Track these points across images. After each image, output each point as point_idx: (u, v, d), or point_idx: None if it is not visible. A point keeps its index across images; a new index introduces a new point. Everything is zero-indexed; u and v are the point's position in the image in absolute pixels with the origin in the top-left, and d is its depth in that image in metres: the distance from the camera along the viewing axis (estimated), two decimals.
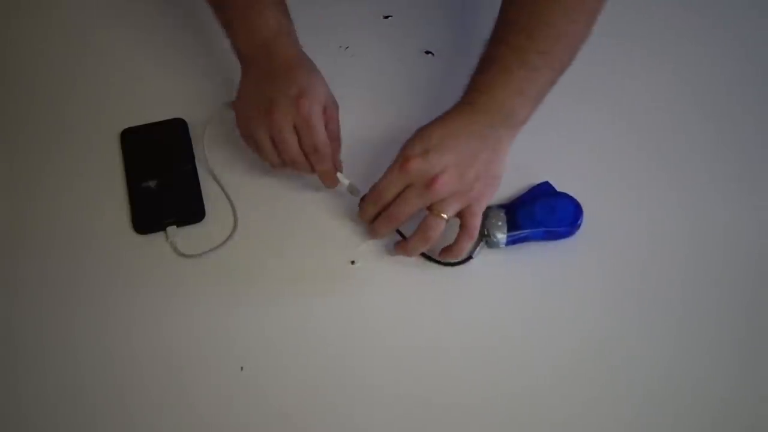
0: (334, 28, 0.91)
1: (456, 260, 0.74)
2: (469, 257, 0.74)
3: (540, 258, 0.75)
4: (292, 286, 0.74)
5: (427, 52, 0.91)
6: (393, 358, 0.70)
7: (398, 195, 0.71)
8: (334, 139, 0.75)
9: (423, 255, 0.75)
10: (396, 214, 0.71)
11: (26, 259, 0.75)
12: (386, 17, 0.94)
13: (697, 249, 0.77)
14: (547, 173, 0.79)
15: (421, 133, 0.71)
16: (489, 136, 0.71)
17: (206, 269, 0.74)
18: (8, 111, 0.85)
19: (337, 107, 0.76)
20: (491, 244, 0.74)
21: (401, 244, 0.74)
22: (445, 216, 0.70)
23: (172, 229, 0.76)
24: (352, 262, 0.75)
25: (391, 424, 0.67)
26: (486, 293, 0.74)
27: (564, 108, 0.80)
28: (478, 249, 0.75)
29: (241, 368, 0.69)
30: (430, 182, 0.69)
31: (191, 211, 0.77)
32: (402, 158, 0.70)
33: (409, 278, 0.75)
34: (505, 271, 0.75)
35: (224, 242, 0.76)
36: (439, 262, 0.75)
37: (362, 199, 0.74)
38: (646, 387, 0.69)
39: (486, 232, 0.74)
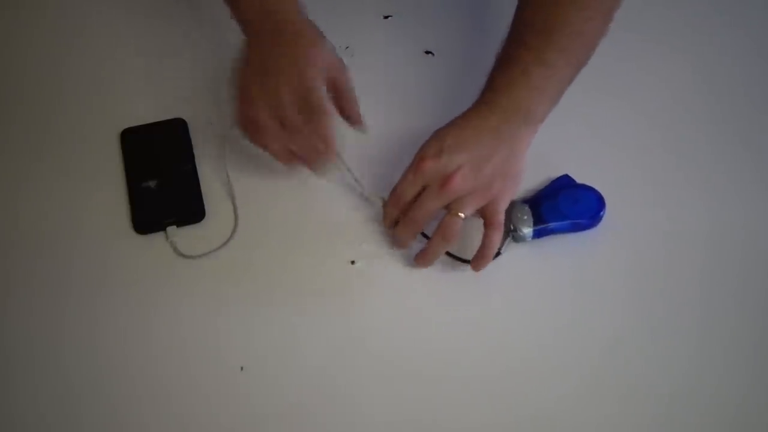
0: (334, 28, 0.90)
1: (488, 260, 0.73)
2: (498, 253, 0.74)
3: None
4: (293, 285, 0.74)
5: (427, 52, 0.91)
6: (395, 358, 0.70)
7: (416, 197, 0.71)
8: (349, 100, 0.74)
9: (449, 254, 0.75)
10: (415, 217, 0.72)
11: (24, 259, 0.74)
12: (386, 17, 0.94)
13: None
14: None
15: (437, 134, 0.72)
16: (504, 133, 0.71)
17: (206, 269, 0.74)
18: (7, 110, 0.84)
19: (344, 70, 0.75)
20: (518, 238, 0.75)
21: (421, 254, 0.73)
22: (462, 215, 0.70)
23: (172, 229, 0.76)
24: (353, 262, 0.75)
25: (393, 424, 0.67)
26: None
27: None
28: (505, 244, 0.75)
29: (241, 368, 0.69)
30: (445, 181, 0.69)
31: (191, 211, 0.77)
32: (417, 159, 0.71)
33: (412, 277, 0.75)
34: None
35: (225, 243, 0.76)
36: (467, 261, 0.74)
37: (384, 205, 0.75)
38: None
39: (512, 227, 0.74)
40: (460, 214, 0.70)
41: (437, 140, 0.71)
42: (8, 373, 0.69)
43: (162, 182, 0.79)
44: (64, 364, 0.69)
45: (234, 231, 0.76)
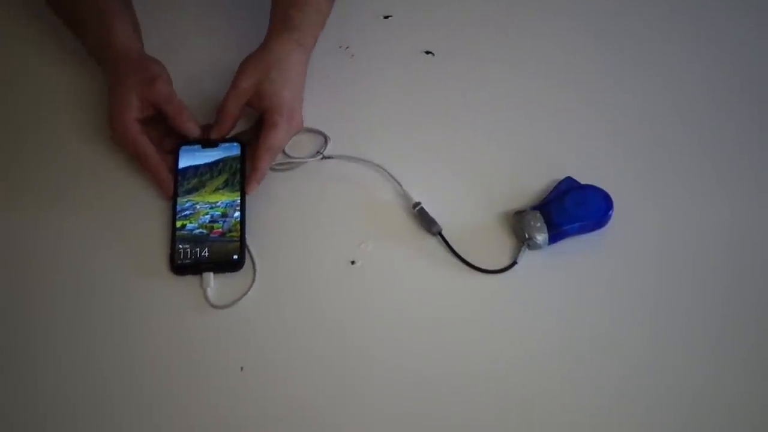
0: (334, 28, 0.90)
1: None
2: (514, 262, 0.74)
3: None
4: (292, 285, 0.74)
5: (427, 53, 0.91)
6: (396, 359, 0.70)
7: None
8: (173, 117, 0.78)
9: (466, 262, 0.74)
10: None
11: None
12: (386, 17, 0.94)
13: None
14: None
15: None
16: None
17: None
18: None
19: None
20: (533, 246, 0.74)
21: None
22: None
23: (207, 275, 0.73)
24: (353, 262, 0.75)
25: (392, 423, 0.67)
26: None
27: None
28: (520, 253, 0.75)
29: (241, 368, 0.69)
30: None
31: (231, 262, 0.74)
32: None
33: (413, 277, 0.75)
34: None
35: (249, 288, 0.74)
36: (480, 270, 0.74)
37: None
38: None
39: (527, 236, 0.74)
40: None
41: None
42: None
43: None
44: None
45: (254, 276, 0.74)
